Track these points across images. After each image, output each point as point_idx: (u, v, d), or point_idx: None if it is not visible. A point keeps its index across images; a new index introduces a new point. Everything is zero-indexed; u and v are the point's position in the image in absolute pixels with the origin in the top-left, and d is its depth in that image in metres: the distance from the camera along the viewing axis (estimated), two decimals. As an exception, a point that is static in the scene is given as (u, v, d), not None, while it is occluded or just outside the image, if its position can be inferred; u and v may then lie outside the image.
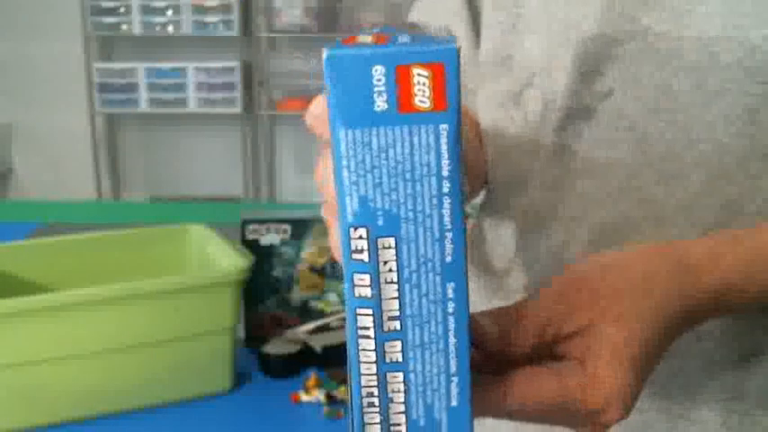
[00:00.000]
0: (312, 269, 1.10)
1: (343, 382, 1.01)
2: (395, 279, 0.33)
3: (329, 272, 1.10)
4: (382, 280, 0.33)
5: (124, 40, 3.75)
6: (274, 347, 1.05)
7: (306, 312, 1.11)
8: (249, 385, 1.02)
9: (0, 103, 3.85)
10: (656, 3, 0.44)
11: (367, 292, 0.33)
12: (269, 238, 1.08)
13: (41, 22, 3.74)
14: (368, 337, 0.34)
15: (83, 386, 0.92)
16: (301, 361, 1.05)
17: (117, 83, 3.59)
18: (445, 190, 0.32)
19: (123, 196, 3.96)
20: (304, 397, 0.98)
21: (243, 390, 1.01)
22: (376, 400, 0.34)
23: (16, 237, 1.42)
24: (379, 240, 0.33)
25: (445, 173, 0.32)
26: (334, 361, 1.05)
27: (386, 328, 0.34)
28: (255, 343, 1.08)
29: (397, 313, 0.34)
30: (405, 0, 3.44)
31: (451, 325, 0.34)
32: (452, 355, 0.34)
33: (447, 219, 0.33)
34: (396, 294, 0.33)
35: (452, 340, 0.34)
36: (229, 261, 0.98)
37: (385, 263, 0.33)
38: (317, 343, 1.05)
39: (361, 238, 0.33)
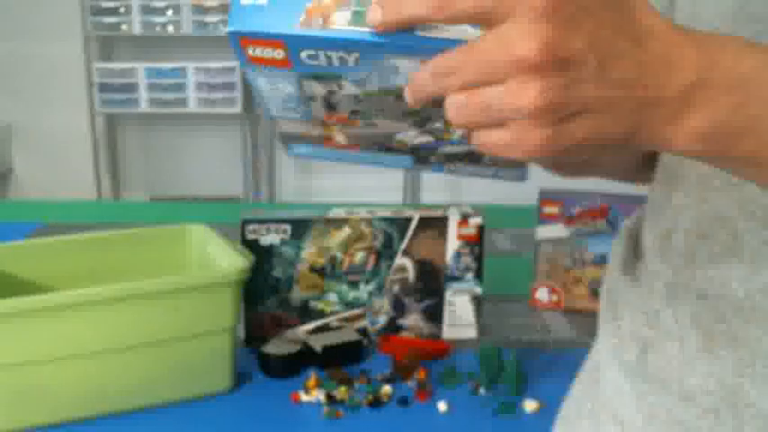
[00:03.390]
0: (312, 269, 1.10)
1: (343, 381, 1.01)
2: None
3: (329, 272, 1.10)
4: None
5: (124, 40, 3.76)
6: (274, 347, 1.05)
7: (306, 312, 1.11)
8: (249, 385, 1.02)
9: (0, 103, 3.86)
10: None
11: None
12: (269, 238, 1.08)
13: (41, 22, 3.74)
14: None
15: (83, 386, 0.92)
16: (301, 361, 1.05)
17: (117, 83, 3.59)
18: None
19: (123, 196, 3.97)
20: (304, 397, 0.98)
21: (243, 390, 1.01)
22: None
23: (16, 237, 1.42)
24: None
25: None
26: (334, 361, 1.05)
27: None
28: (255, 343, 1.08)
29: None
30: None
31: None
32: None
33: None
34: None
35: None
36: (229, 261, 0.98)
37: None
38: (317, 343, 1.05)
39: None
